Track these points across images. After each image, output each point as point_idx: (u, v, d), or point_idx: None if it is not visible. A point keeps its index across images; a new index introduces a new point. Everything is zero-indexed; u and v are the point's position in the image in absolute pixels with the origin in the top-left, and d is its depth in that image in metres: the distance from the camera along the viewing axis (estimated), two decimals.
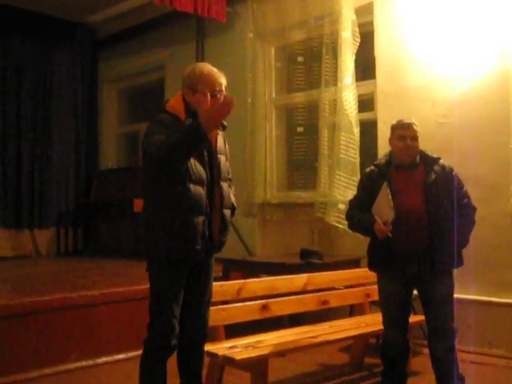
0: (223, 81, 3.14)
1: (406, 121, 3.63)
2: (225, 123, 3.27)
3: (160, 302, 3.06)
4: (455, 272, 3.56)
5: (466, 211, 3.57)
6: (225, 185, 3.19)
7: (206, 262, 3.22)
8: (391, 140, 3.68)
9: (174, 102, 3.15)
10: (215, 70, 3.15)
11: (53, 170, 8.82)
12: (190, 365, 3.25)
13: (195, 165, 3.01)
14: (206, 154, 3.08)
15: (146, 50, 8.53)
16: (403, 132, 3.58)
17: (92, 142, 9.44)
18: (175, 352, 3.17)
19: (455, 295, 3.58)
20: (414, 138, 3.57)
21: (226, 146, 3.33)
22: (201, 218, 3.02)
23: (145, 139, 3.00)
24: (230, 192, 3.25)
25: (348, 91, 5.82)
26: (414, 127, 3.59)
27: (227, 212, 3.20)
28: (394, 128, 3.66)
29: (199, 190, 3.01)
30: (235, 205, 3.31)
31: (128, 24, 8.55)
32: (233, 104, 2.85)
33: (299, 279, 4.42)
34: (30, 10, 8.33)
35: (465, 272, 3.78)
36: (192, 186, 2.99)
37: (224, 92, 3.13)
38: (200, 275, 3.19)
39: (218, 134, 3.21)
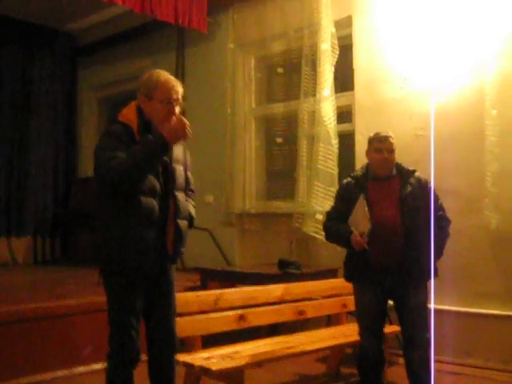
0: (180, 89, 3.10)
1: (383, 134, 3.68)
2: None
3: (117, 315, 3.03)
4: (432, 283, 3.61)
5: (441, 223, 3.63)
6: (180, 195, 3.13)
7: (165, 274, 3.15)
8: (368, 152, 3.73)
9: (127, 111, 3.11)
10: (172, 77, 3.12)
11: (31, 177, 8.73)
12: (161, 377, 3.20)
13: (148, 176, 2.98)
14: (160, 164, 3.04)
15: (127, 58, 8.51)
16: (380, 145, 3.63)
17: (71, 149, 9.37)
18: (146, 364, 3.15)
19: (432, 305, 3.62)
20: (391, 150, 3.63)
21: (187, 156, 3.30)
22: (152, 230, 2.97)
23: (95, 153, 3.00)
24: (186, 202, 3.20)
25: (327, 103, 5.86)
26: (391, 140, 3.64)
27: (182, 223, 3.12)
28: (371, 141, 3.71)
29: (150, 202, 2.97)
30: (193, 215, 3.25)
31: (108, 32, 8.53)
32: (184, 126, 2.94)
33: (276, 289, 4.44)
34: (9, 17, 8.27)
35: (441, 283, 3.84)
36: (143, 198, 2.95)
37: (180, 101, 3.10)
38: (159, 287, 3.14)
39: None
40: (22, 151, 8.70)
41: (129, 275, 2.99)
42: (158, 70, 3.14)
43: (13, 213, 8.57)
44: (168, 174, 3.08)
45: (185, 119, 2.97)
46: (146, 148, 2.88)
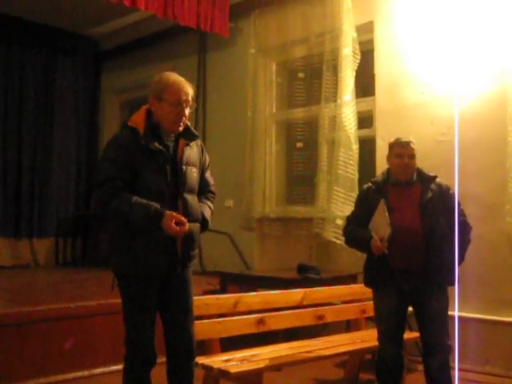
0: (190, 91, 3.09)
1: (404, 139, 3.67)
2: (195, 133, 3.23)
3: (131, 317, 3.06)
4: (453, 289, 3.59)
5: (463, 230, 3.60)
6: (190, 197, 3.11)
7: (178, 277, 3.14)
8: (389, 158, 3.72)
9: (137, 115, 3.13)
10: (182, 79, 3.11)
11: (53, 179, 8.84)
12: (180, 380, 3.21)
13: (153, 180, 3.00)
14: (168, 167, 3.05)
15: (149, 63, 8.57)
16: (401, 150, 3.62)
17: (93, 153, 9.45)
18: (166, 367, 3.17)
19: (452, 312, 3.60)
20: (412, 156, 3.62)
21: (205, 157, 3.30)
22: (160, 233, 2.95)
23: (99, 161, 3.07)
24: (198, 204, 3.18)
25: (347, 108, 5.86)
26: (412, 145, 3.63)
27: (193, 225, 3.09)
28: (391, 146, 3.70)
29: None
30: (206, 217, 3.21)
31: (131, 37, 8.61)
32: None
33: (296, 294, 4.44)
34: (33, 21, 8.40)
35: (462, 289, 3.81)
36: (154, 200, 2.95)
37: (190, 102, 3.10)
38: (175, 290, 3.14)
39: (186, 144, 3.14)
40: (44, 153, 8.82)
41: (140, 278, 3.01)
42: (168, 72, 3.15)
43: (35, 214, 8.66)
44: (177, 176, 3.07)
45: (184, 231, 2.97)
46: (141, 215, 2.90)
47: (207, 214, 3.23)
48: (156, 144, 3.02)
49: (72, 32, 9.03)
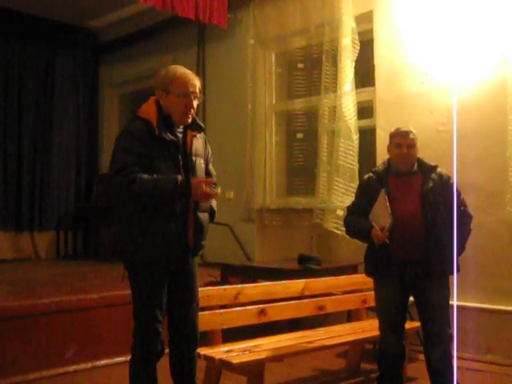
0: (197, 83, 3.13)
1: (404, 129, 3.67)
2: (202, 125, 3.27)
3: (142, 309, 3.08)
4: (453, 279, 3.59)
5: (463, 219, 3.61)
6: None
7: (187, 267, 3.19)
8: (389, 147, 3.73)
9: (147, 107, 3.16)
10: (189, 71, 3.15)
11: (53, 173, 8.83)
12: (183, 369, 3.24)
13: (169, 169, 3.02)
14: (180, 157, 3.09)
15: (148, 55, 8.56)
16: (400, 140, 3.63)
17: (93, 145, 9.46)
18: (168, 357, 3.19)
19: (453, 302, 3.61)
20: (411, 146, 3.61)
21: (208, 149, 3.34)
22: (175, 223, 3.01)
23: (114, 150, 3.05)
24: None
25: (347, 98, 5.85)
26: (411, 136, 3.63)
27: (203, 215, 3.16)
28: (391, 136, 3.70)
29: None
30: (214, 208, 3.27)
31: (130, 29, 8.58)
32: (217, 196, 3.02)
33: (296, 284, 4.45)
34: (31, 14, 8.37)
35: (462, 279, 3.81)
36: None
37: (198, 94, 3.13)
38: (182, 280, 3.18)
39: (193, 136, 3.19)
40: (44, 147, 8.81)
41: (153, 268, 3.03)
42: (174, 65, 3.20)
43: (36, 208, 8.67)
44: (188, 167, 3.11)
45: (218, 193, 3.04)
46: (167, 189, 2.92)
47: (214, 204, 3.29)
48: (169, 135, 3.06)
49: (71, 25, 8.99)
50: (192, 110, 3.13)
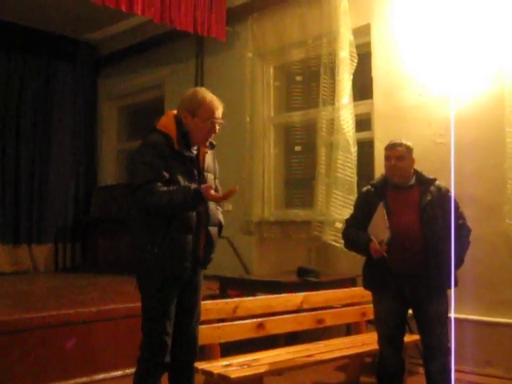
0: (222, 109, 3.24)
1: (393, 141, 3.67)
2: (214, 142, 3.34)
3: (153, 320, 3.09)
4: (452, 292, 3.58)
5: (462, 232, 3.60)
6: (211, 202, 3.22)
7: (194, 280, 3.24)
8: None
9: (166, 121, 3.22)
10: (215, 98, 3.24)
11: (52, 185, 8.83)
12: (181, 382, 3.26)
13: (186, 183, 3.08)
14: (195, 173, 3.17)
15: (146, 68, 8.59)
16: (388, 152, 3.65)
17: (91, 158, 9.47)
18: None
19: (452, 315, 3.59)
20: (400, 158, 3.60)
21: (216, 165, 3.41)
22: (190, 236, 3.08)
23: (135, 163, 3.08)
24: (216, 210, 3.29)
25: (345, 111, 5.86)
26: (399, 148, 3.61)
27: (213, 229, 3.24)
28: (384, 149, 3.71)
29: None
30: (222, 223, 3.34)
31: (128, 42, 8.62)
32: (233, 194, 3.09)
33: (295, 298, 4.43)
34: (31, 27, 8.41)
35: (461, 291, 3.81)
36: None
37: (220, 120, 3.22)
38: (187, 293, 3.22)
39: (206, 152, 3.28)
40: (43, 158, 8.82)
41: (167, 281, 3.06)
42: (202, 89, 3.31)
43: (34, 220, 8.66)
44: (201, 182, 3.17)
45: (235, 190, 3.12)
46: (184, 198, 2.98)
47: (222, 219, 3.35)
48: (187, 151, 3.14)
49: (70, 37, 9.05)
50: (213, 135, 3.24)
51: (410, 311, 3.72)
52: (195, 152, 3.22)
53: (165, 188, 3.00)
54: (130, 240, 3.20)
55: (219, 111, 3.21)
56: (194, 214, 3.09)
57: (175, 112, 3.25)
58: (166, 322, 3.08)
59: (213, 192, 3.02)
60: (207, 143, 3.26)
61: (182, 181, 3.08)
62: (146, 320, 3.13)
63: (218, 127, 3.22)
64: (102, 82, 9.63)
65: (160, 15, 6.31)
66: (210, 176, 3.28)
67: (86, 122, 9.38)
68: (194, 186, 3.03)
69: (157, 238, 3.03)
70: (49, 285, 7.12)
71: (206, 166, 3.26)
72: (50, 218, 8.81)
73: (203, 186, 3.04)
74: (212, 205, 3.23)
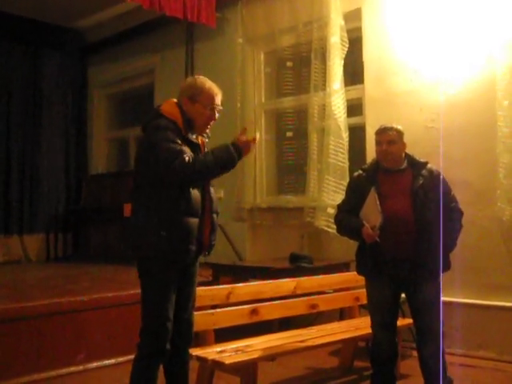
0: (220, 97, 3.29)
1: (383, 126, 3.66)
2: (209, 133, 3.37)
3: (155, 306, 3.08)
4: (444, 276, 3.59)
5: (454, 215, 3.60)
6: (212, 190, 3.28)
7: (193, 266, 3.27)
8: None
9: (170, 108, 3.21)
10: (215, 85, 3.29)
11: (42, 175, 8.79)
12: (176, 369, 3.27)
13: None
14: None
15: (136, 55, 8.53)
16: (378, 137, 3.64)
17: (82, 147, 9.42)
18: None
19: (444, 298, 3.60)
20: (390, 142, 3.59)
21: None
22: (196, 220, 3.10)
23: (158, 144, 3.03)
24: (216, 197, 3.34)
25: (337, 96, 5.84)
26: (390, 132, 3.60)
27: (215, 216, 3.29)
28: (375, 134, 3.71)
29: (196, 193, 3.12)
30: (218, 210, 3.38)
31: (117, 29, 8.54)
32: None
33: (288, 283, 4.44)
34: (17, 15, 8.30)
35: (453, 275, 3.81)
36: (192, 190, 3.09)
37: (220, 107, 3.27)
38: (184, 279, 3.21)
39: (204, 141, 3.32)
40: (33, 148, 8.76)
41: (171, 265, 3.06)
42: (202, 77, 3.35)
43: (25, 210, 8.62)
44: None
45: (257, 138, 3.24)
46: (227, 156, 3.06)
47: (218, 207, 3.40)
48: (193, 137, 3.20)
49: (58, 25, 8.93)
50: (213, 122, 3.27)
51: (403, 295, 3.73)
52: (195, 140, 3.25)
53: (201, 155, 3.10)
54: (133, 223, 3.15)
55: (219, 98, 3.26)
56: (200, 198, 3.12)
57: (175, 100, 3.26)
58: (168, 307, 3.08)
59: (244, 137, 3.13)
60: (207, 131, 3.29)
61: None
62: (147, 305, 3.11)
63: (217, 114, 3.26)
64: (90, 69, 9.56)
65: (149, 1, 6.26)
66: None
67: (75, 110, 9.33)
68: (229, 143, 3.11)
69: (163, 221, 3.03)
70: (40, 274, 7.10)
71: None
72: (41, 208, 8.77)
73: (239, 140, 3.12)
74: (213, 192, 3.28)
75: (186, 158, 2.98)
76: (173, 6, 6.46)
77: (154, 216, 3.05)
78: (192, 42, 7.68)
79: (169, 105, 3.25)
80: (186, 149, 3.06)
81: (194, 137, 3.24)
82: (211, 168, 3.04)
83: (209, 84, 3.26)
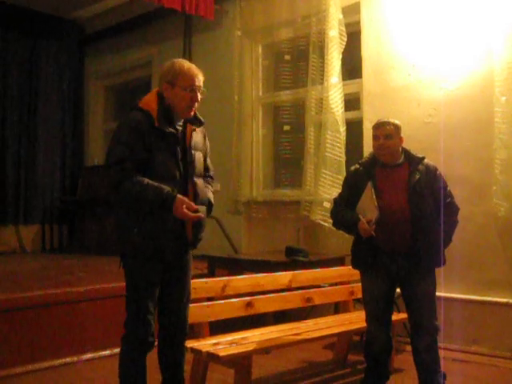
0: (201, 77, 3.18)
1: (381, 120, 3.65)
2: (202, 119, 3.30)
3: (136, 300, 3.08)
4: (440, 271, 3.60)
5: (450, 211, 3.61)
6: (199, 181, 3.20)
7: (182, 259, 3.22)
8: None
9: (148, 98, 3.17)
10: (194, 66, 3.19)
11: (38, 166, 8.76)
12: (171, 361, 3.27)
13: (166, 162, 3.03)
14: (179, 150, 3.11)
15: (134, 46, 8.50)
16: (376, 131, 3.63)
17: (78, 138, 9.39)
18: (156, 348, 3.19)
19: (440, 293, 3.62)
20: (388, 136, 3.58)
21: (206, 142, 3.36)
22: (170, 216, 2.99)
23: (111, 142, 3.05)
24: (205, 188, 3.25)
25: (334, 90, 5.83)
26: (388, 126, 3.59)
27: (201, 208, 3.13)
28: (372, 128, 3.70)
29: (176, 186, 3.01)
30: (212, 201, 3.30)
31: (115, 20, 8.51)
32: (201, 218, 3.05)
33: (284, 277, 4.44)
34: (15, 5, 8.27)
35: (449, 271, 3.83)
36: (170, 181, 3.01)
37: (201, 88, 3.16)
38: (176, 272, 3.20)
39: (193, 130, 3.22)
40: (29, 139, 8.73)
41: (149, 260, 3.04)
42: (180, 59, 3.25)
43: (21, 201, 8.60)
44: (187, 160, 3.13)
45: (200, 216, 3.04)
46: (156, 197, 2.92)
47: (212, 197, 3.31)
48: (168, 127, 3.08)
49: (56, 16, 8.90)
50: (196, 104, 3.17)
51: (398, 290, 3.73)
52: (179, 128, 3.16)
53: (140, 179, 2.94)
54: (114, 219, 3.16)
55: (199, 78, 3.15)
56: (181, 192, 3.02)
57: (158, 89, 3.20)
58: (148, 302, 3.07)
59: (185, 209, 2.93)
60: (191, 114, 3.19)
61: (163, 159, 3.02)
62: (129, 299, 3.12)
63: (199, 95, 3.15)
64: (88, 61, 9.52)
65: None
66: (198, 154, 3.21)
67: (72, 101, 9.29)
68: (169, 191, 2.93)
69: (140, 216, 3.00)
70: (36, 265, 7.08)
71: (193, 143, 3.19)
72: (37, 199, 8.75)
73: (180, 197, 2.94)
74: (200, 183, 3.19)
75: (123, 172, 2.91)
76: None
77: (129, 212, 3.04)
78: (190, 35, 7.65)
79: (149, 95, 3.20)
80: (136, 155, 2.95)
81: (180, 123, 3.16)
82: (131, 197, 2.93)
83: (187, 65, 3.16)
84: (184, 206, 2.93)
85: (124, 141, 3.00)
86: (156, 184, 2.95)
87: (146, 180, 2.95)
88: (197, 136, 3.24)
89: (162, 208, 2.94)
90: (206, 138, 3.36)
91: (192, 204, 2.98)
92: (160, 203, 2.92)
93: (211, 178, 3.41)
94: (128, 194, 2.94)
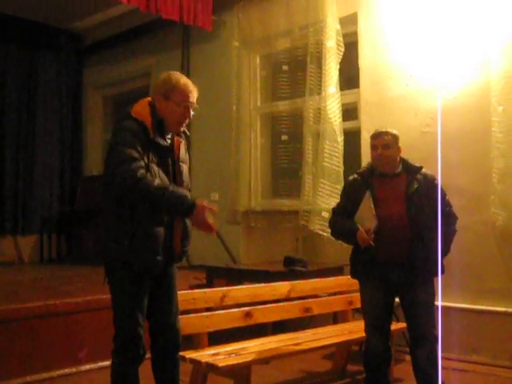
0: (196, 94, 3.15)
1: (379, 130, 3.67)
2: (187, 132, 3.29)
3: (124, 313, 3.03)
4: (438, 280, 3.60)
5: (448, 220, 3.62)
6: (188, 194, 3.08)
7: (169, 272, 3.18)
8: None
9: (140, 107, 3.10)
10: (190, 82, 3.16)
11: (37, 176, 8.77)
12: (166, 375, 3.22)
13: (159, 173, 2.99)
14: (170, 162, 3.09)
15: (132, 57, 8.53)
16: (374, 141, 3.64)
17: (77, 148, 9.41)
18: (150, 361, 3.16)
19: (439, 303, 3.61)
20: (386, 146, 3.59)
21: (187, 155, 3.31)
22: (161, 229, 2.98)
23: (113, 148, 2.96)
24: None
25: (332, 100, 5.86)
26: (386, 136, 3.61)
27: (188, 222, 3.13)
28: (370, 138, 3.71)
29: None
30: None
31: (114, 31, 8.54)
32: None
33: (282, 287, 4.44)
34: (15, 16, 8.30)
35: (448, 280, 3.83)
36: None
37: (194, 105, 3.13)
38: (163, 285, 3.15)
39: (180, 142, 3.20)
40: (28, 150, 8.74)
41: (138, 272, 2.99)
42: (176, 73, 3.20)
43: (19, 211, 8.60)
44: (176, 173, 3.11)
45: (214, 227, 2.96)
46: (176, 202, 2.85)
47: None
48: (161, 139, 3.05)
49: (54, 27, 8.94)
50: (187, 121, 3.14)
51: (397, 299, 3.73)
52: (169, 141, 3.12)
53: (160, 182, 2.88)
54: (101, 227, 3.09)
55: (193, 95, 3.12)
56: None
57: (149, 99, 3.15)
58: (137, 315, 3.01)
59: (208, 219, 2.88)
60: (181, 129, 3.16)
61: (156, 170, 2.97)
62: (117, 314, 3.05)
63: (192, 112, 3.13)
64: (86, 71, 9.55)
65: (146, 4, 6.26)
66: (184, 167, 3.19)
67: (70, 111, 9.32)
68: (189, 195, 2.90)
69: (128, 230, 2.94)
70: (34, 276, 7.07)
71: (180, 156, 3.17)
72: (36, 209, 8.75)
73: (200, 203, 2.87)
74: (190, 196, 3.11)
75: (135, 169, 2.83)
76: (169, 8, 6.47)
77: (118, 225, 2.97)
78: (188, 45, 7.69)
79: (140, 105, 3.13)
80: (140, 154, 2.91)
81: (169, 136, 3.12)
82: (152, 195, 2.83)
83: (184, 80, 3.12)
84: (207, 212, 2.87)
85: (129, 143, 2.92)
86: (180, 192, 2.89)
87: (171, 186, 2.91)
88: (182, 148, 3.22)
89: (178, 211, 2.90)
90: (187, 151, 3.33)
91: (213, 207, 2.92)
92: (179, 205, 2.86)
93: (189, 190, 3.32)
94: (148, 195, 2.84)
